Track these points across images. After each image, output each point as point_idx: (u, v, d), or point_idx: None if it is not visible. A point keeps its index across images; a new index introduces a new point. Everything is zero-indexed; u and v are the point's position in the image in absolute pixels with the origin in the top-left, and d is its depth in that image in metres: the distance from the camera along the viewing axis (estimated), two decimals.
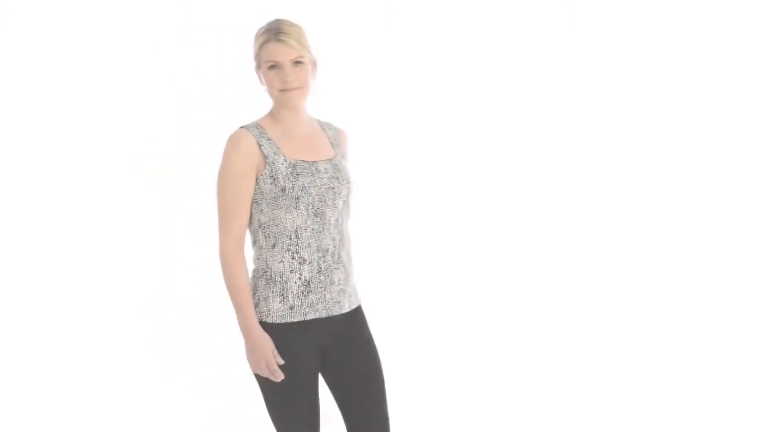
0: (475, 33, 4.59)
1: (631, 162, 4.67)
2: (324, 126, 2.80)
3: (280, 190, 2.60)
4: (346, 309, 2.71)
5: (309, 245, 2.62)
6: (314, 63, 2.69)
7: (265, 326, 2.63)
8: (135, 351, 4.50)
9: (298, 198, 2.60)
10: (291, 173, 2.60)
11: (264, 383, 2.66)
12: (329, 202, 2.63)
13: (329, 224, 2.64)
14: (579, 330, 4.63)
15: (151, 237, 4.54)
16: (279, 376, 2.60)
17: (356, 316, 2.77)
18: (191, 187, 4.52)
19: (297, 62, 2.63)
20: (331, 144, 2.75)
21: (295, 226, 2.61)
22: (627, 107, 4.65)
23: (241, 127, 2.66)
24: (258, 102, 4.44)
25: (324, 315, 2.65)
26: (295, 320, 2.62)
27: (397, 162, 4.60)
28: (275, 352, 2.61)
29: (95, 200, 4.52)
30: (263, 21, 4.66)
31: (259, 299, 2.65)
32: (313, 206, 2.61)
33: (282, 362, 2.60)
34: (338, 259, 2.67)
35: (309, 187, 2.60)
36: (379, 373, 2.76)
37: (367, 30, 4.55)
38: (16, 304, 4.48)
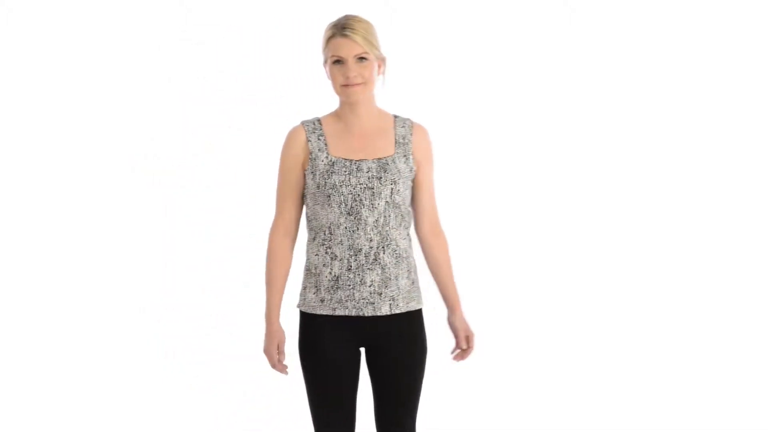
0: (475, 33, 4.60)
1: (631, 162, 4.67)
2: (398, 123, 2.73)
3: (316, 186, 2.64)
4: (384, 312, 2.65)
5: (341, 242, 2.63)
6: (383, 60, 2.67)
7: (301, 314, 2.71)
8: (135, 351, 4.50)
9: (329, 196, 2.62)
10: (327, 170, 2.62)
11: (303, 372, 2.71)
12: (366, 202, 2.61)
13: (365, 224, 2.62)
14: (590, 329, 4.62)
15: (151, 237, 4.54)
16: (281, 371, 2.70)
17: (402, 321, 2.70)
18: (191, 187, 4.52)
19: (361, 58, 2.61)
20: (396, 142, 2.70)
21: (329, 222, 2.64)
22: (627, 107, 4.66)
23: (302, 122, 2.70)
24: (258, 102, 4.49)
25: (354, 313, 2.64)
26: (324, 313, 2.66)
27: None
28: (281, 349, 2.68)
29: (95, 200, 4.52)
30: (263, 21, 4.68)
31: (301, 287, 2.73)
32: (345, 205, 2.61)
33: (284, 360, 2.69)
34: (374, 260, 2.64)
35: (340, 185, 2.60)
36: (402, 386, 2.71)
37: None
38: (17, 304, 4.47)
